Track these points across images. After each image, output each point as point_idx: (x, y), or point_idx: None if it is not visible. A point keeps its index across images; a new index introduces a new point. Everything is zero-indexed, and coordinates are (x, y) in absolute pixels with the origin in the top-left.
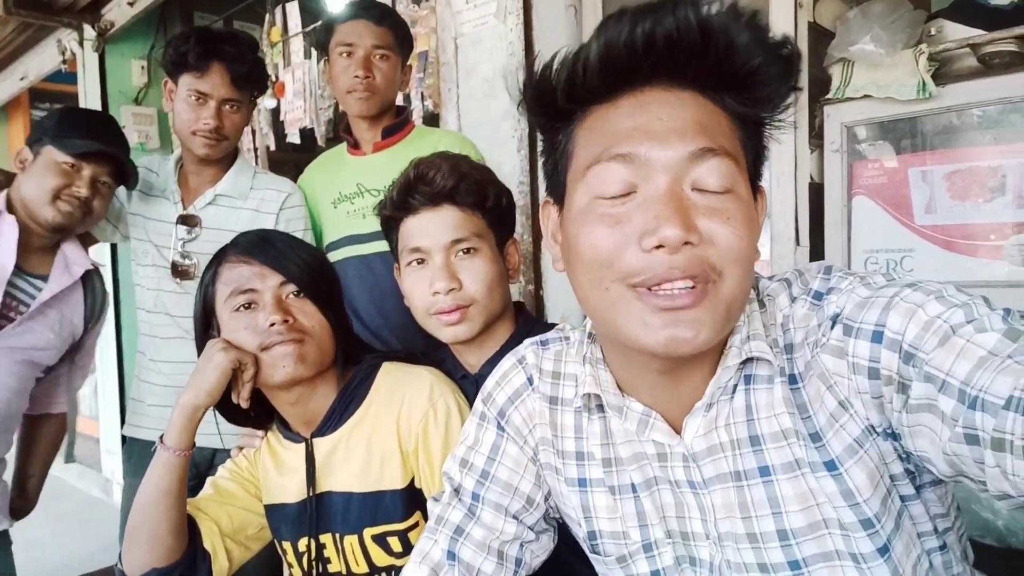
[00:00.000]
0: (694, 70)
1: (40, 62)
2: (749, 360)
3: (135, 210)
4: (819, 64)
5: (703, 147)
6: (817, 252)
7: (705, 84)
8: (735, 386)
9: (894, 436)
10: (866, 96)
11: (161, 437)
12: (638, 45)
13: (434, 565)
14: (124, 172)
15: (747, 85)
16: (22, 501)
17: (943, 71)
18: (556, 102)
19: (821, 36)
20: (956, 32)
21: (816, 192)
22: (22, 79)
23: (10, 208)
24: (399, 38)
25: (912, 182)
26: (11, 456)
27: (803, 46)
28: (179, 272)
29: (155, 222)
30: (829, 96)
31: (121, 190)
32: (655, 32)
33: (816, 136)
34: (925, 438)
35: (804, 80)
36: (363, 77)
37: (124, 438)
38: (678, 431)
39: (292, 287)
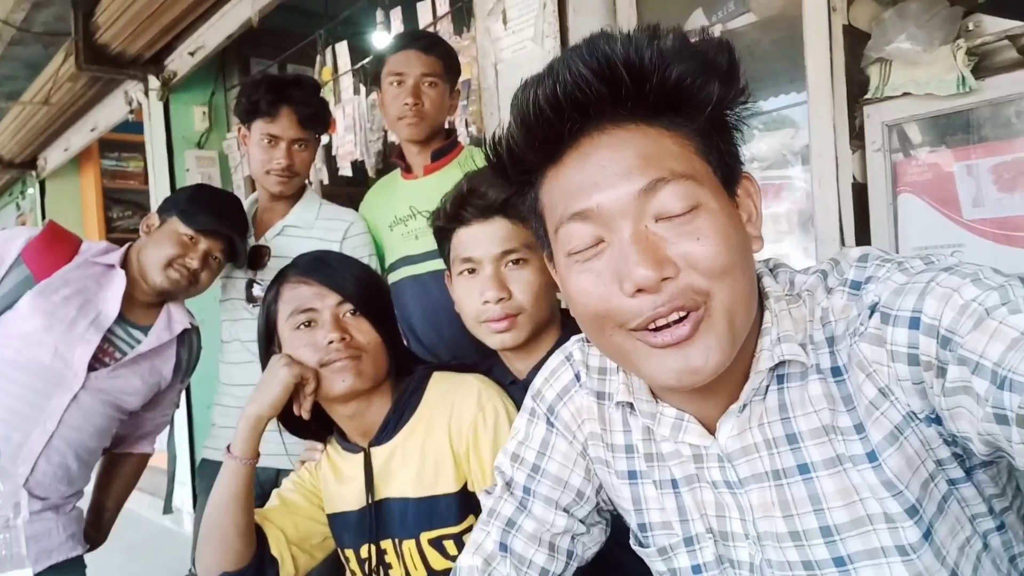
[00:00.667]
0: (615, 110)
1: (108, 113)
2: (782, 361)
3: None
4: (856, 65)
5: (652, 179)
6: None
7: (635, 115)
8: (767, 386)
9: (937, 421)
10: (905, 94)
11: (228, 447)
12: (547, 112)
13: (487, 556)
14: (235, 251)
15: (676, 102)
16: (95, 532)
17: (982, 65)
18: (511, 175)
19: (857, 38)
20: (994, 25)
21: (860, 192)
22: (92, 130)
23: (125, 264)
24: (447, 66)
25: (958, 177)
26: (88, 488)
27: (839, 48)
28: (252, 298)
29: None
30: (868, 96)
31: None
32: (556, 94)
33: (857, 137)
34: (964, 419)
35: (840, 81)
36: (412, 104)
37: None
38: (711, 431)
39: (349, 306)
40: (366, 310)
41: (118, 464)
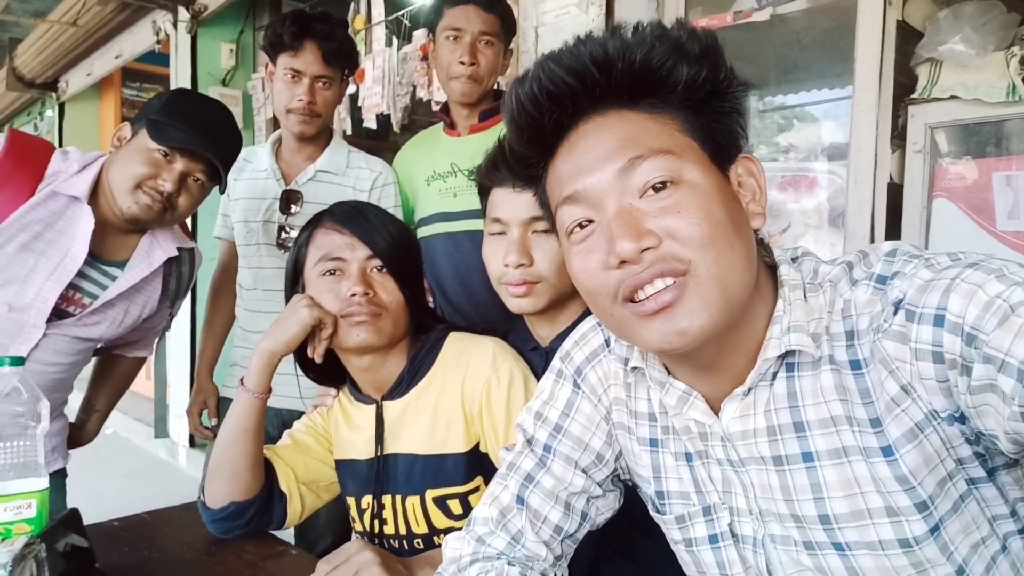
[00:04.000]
0: (591, 101)
1: (135, 42)
2: (790, 351)
3: (237, 195)
4: (905, 64)
5: (630, 158)
6: None
7: (615, 102)
8: (775, 373)
9: (961, 419)
10: (952, 97)
11: (242, 380)
12: (530, 110)
13: (503, 508)
14: (218, 174)
15: (649, 86)
16: (81, 432)
17: None
18: (519, 172)
19: (909, 35)
20: None
21: (895, 193)
22: (117, 57)
23: (96, 187)
24: (505, 25)
25: (996, 187)
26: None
27: (890, 44)
28: (284, 246)
29: (259, 200)
30: (914, 96)
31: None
32: (533, 92)
33: (898, 136)
34: (991, 417)
35: (888, 77)
36: (468, 63)
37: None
38: (716, 411)
39: (377, 261)
40: (394, 268)
41: (110, 365)
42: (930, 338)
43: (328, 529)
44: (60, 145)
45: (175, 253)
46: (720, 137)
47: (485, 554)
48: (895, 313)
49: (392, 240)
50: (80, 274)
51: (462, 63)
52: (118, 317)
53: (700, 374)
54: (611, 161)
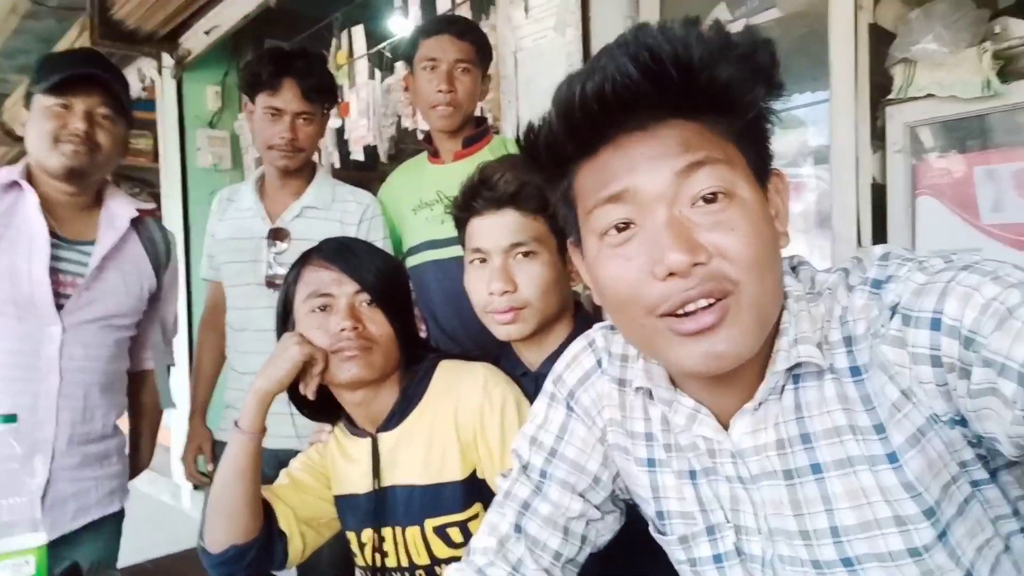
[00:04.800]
0: (655, 110)
1: None
2: (798, 364)
3: (223, 235)
4: (880, 65)
5: (690, 163)
6: None
7: (678, 113)
8: (783, 386)
9: (961, 423)
10: (929, 95)
11: (236, 421)
12: (592, 107)
13: (501, 537)
14: (120, 101)
15: (721, 104)
16: (135, 458)
17: (1008, 68)
18: (545, 165)
19: (882, 37)
20: (1021, 29)
21: (879, 193)
22: None
23: (31, 178)
24: (480, 52)
25: (978, 181)
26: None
27: (864, 47)
28: (273, 284)
29: (244, 240)
30: (891, 97)
31: (209, 223)
32: (603, 90)
33: (878, 137)
34: (992, 420)
35: (863, 80)
36: (446, 91)
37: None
38: (726, 427)
39: (366, 296)
40: (382, 302)
41: (138, 383)
42: (927, 342)
43: (331, 566)
44: None
45: (135, 214)
46: (763, 153)
47: None
48: (891, 318)
49: (380, 274)
50: (59, 258)
51: (440, 91)
52: (119, 288)
53: (709, 388)
54: (668, 162)
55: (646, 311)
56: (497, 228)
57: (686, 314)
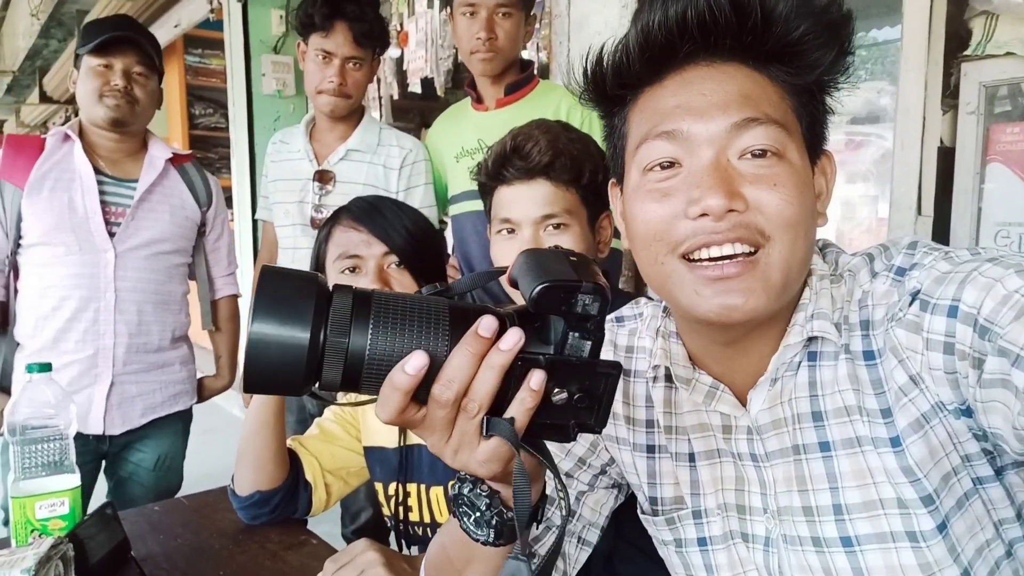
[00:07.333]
0: (732, 46)
1: (191, 11)
2: (814, 338)
3: (275, 176)
4: (959, 16)
5: (746, 117)
6: (942, 222)
7: (748, 57)
8: (799, 362)
9: (967, 413)
10: (1009, 54)
11: None
12: (672, 28)
13: None
14: (152, 61)
15: (791, 55)
16: (215, 379)
17: None
18: (607, 89)
19: None
20: None
21: (945, 157)
22: (176, 26)
23: (82, 131)
24: None
25: None
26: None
27: None
28: (316, 225)
29: (293, 181)
30: (967, 53)
31: (264, 166)
32: (687, 13)
33: (950, 96)
34: (999, 414)
35: (938, 32)
36: (486, 38)
37: None
38: (744, 404)
39: (394, 258)
40: (411, 264)
41: (214, 311)
42: (943, 328)
43: (368, 502)
44: None
45: (170, 155)
46: (818, 128)
47: None
48: (911, 303)
49: (409, 235)
50: (109, 193)
51: (479, 38)
52: (164, 218)
53: (726, 361)
54: (726, 112)
55: (668, 249)
56: (528, 199)
57: (711, 259)
